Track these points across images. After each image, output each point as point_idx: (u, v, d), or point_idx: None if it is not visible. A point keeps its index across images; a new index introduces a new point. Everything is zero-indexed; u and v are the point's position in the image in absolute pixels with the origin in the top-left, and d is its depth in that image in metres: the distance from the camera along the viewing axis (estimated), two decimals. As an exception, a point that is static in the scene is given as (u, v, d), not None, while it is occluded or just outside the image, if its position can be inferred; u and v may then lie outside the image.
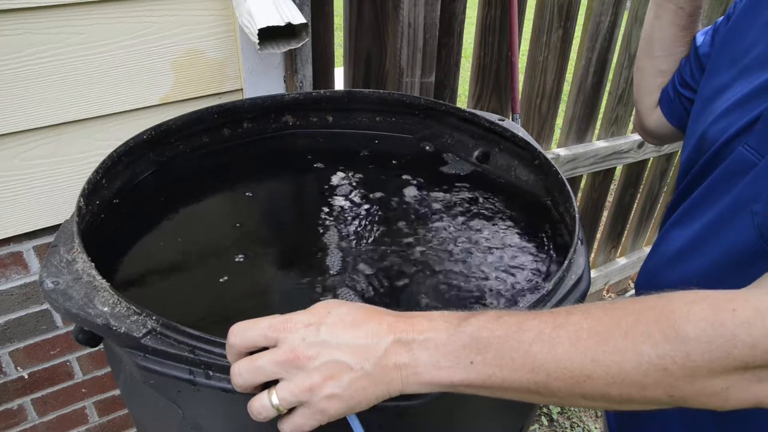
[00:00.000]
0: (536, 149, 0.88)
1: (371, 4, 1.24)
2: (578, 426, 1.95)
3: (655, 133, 0.89)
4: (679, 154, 2.14)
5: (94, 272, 0.60)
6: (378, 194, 0.89)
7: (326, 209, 0.85)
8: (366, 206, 0.86)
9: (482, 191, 0.91)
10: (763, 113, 0.60)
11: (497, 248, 0.79)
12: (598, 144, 1.88)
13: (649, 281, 0.77)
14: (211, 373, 0.53)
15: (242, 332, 0.47)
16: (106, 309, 0.56)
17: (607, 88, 1.81)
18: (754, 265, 0.48)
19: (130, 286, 0.70)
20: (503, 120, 0.95)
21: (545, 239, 0.81)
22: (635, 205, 2.23)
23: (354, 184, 0.91)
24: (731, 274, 0.51)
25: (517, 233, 0.82)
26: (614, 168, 2.00)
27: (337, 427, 0.48)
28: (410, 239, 0.80)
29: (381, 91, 1.02)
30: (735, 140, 0.63)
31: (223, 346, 0.49)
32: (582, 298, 0.65)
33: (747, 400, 0.43)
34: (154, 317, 0.55)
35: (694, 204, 0.70)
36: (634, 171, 2.09)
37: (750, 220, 0.59)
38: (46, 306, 1.15)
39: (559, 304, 0.62)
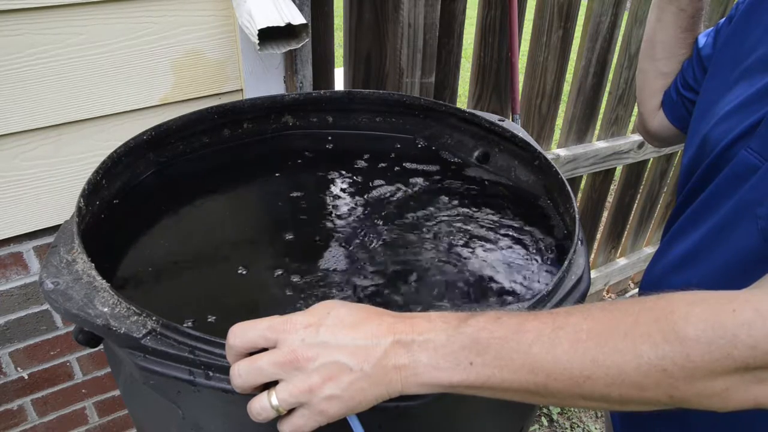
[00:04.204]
0: (536, 150, 0.88)
1: (371, 5, 1.24)
2: (578, 426, 1.95)
3: (657, 135, 0.89)
4: (679, 155, 2.14)
5: (94, 273, 0.60)
6: (378, 195, 0.89)
7: (326, 210, 0.85)
8: (366, 207, 0.86)
9: (482, 192, 0.91)
10: (766, 116, 0.59)
11: (497, 248, 0.79)
12: (598, 144, 1.88)
13: (655, 287, 0.77)
14: (211, 373, 0.53)
15: (242, 333, 0.47)
16: (106, 309, 0.56)
17: (607, 89, 1.81)
18: (760, 268, 0.48)
19: (130, 287, 0.70)
20: (503, 120, 0.95)
21: (545, 240, 0.81)
22: (635, 206, 2.23)
23: (354, 184, 0.91)
24: (737, 279, 0.51)
25: (517, 234, 0.82)
26: (614, 168, 2.00)
27: (337, 427, 0.48)
28: (410, 239, 0.80)
29: (381, 91, 1.02)
30: (737, 143, 0.63)
31: (222, 346, 0.49)
32: (582, 299, 0.65)
33: (747, 401, 0.43)
34: (154, 318, 0.55)
35: (699, 209, 0.70)
36: (634, 171, 2.09)
37: (754, 223, 0.58)
38: (46, 306, 1.15)
39: (559, 304, 0.62)
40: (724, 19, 0.76)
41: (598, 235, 2.24)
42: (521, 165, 0.93)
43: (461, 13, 1.38)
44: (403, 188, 0.91)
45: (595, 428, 1.95)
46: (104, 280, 0.59)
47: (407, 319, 0.47)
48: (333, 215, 0.84)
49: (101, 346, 0.65)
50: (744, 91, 0.65)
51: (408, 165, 0.97)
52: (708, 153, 0.68)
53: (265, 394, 0.46)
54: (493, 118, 0.96)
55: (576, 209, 0.74)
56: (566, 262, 0.64)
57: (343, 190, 0.90)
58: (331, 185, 0.91)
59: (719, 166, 0.66)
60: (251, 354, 0.47)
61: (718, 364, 0.41)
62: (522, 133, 0.92)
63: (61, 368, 1.25)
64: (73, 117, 0.98)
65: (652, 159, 2.09)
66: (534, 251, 0.79)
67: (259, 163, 0.97)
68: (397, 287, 0.72)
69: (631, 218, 2.26)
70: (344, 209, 0.86)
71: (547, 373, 0.44)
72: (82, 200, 0.71)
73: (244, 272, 0.73)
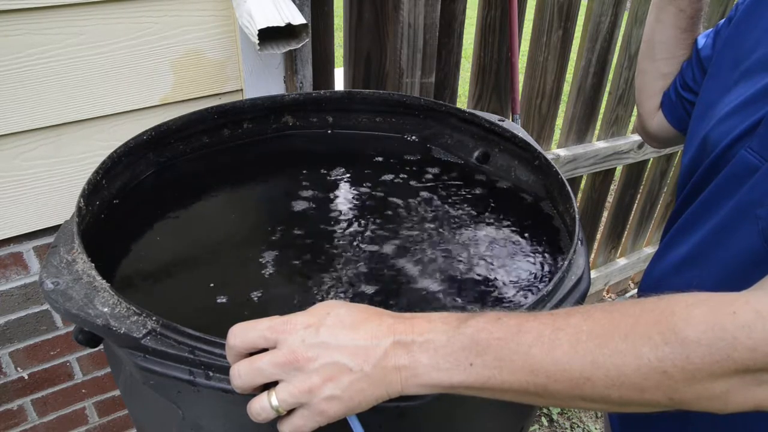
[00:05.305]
0: (536, 150, 0.88)
1: (371, 5, 1.24)
2: (578, 426, 1.95)
3: (657, 136, 0.89)
4: (679, 155, 2.14)
5: (94, 273, 0.60)
6: (378, 195, 0.89)
7: (326, 210, 0.85)
8: (366, 207, 0.86)
9: (482, 192, 0.91)
10: (766, 116, 0.59)
11: (497, 249, 0.79)
12: (598, 144, 1.88)
13: (654, 288, 0.77)
14: (211, 373, 0.53)
15: (242, 333, 0.47)
16: (106, 309, 0.56)
17: (607, 89, 1.81)
18: (761, 270, 0.48)
19: (130, 287, 0.70)
20: (503, 120, 0.95)
21: (545, 240, 0.81)
22: (635, 206, 2.23)
23: (353, 184, 0.91)
24: (738, 280, 0.51)
25: (517, 234, 0.82)
26: (614, 168, 2.00)
27: (337, 427, 0.48)
28: (410, 240, 0.80)
29: (381, 91, 1.02)
30: (737, 143, 0.63)
31: (223, 346, 0.49)
32: (582, 299, 0.65)
33: (747, 403, 0.43)
34: (154, 318, 0.55)
35: (698, 209, 0.69)
36: (634, 171, 2.09)
37: (754, 224, 0.58)
38: (46, 306, 1.15)
39: (558, 304, 0.62)
40: (723, 20, 0.76)
41: (598, 235, 2.24)
42: (521, 165, 0.93)
43: (461, 13, 1.38)
44: (403, 188, 0.91)
45: (595, 428, 1.95)
46: (104, 280, 0.59)
47: (407, 319, 0.47)
48: (333, 215, 0.84)
49: (101, 346, 0.65)
50: (744, 92, 0.65)
51: (408, 165, 0.97)
52: (708, 153, 0.68)
53: (265, 394, 0.46)
54: (493, 118, 0.96)
55: (576, 209, 0.74)
56: (566, 262, 0.64)
57: (342, 190, 0.90)
58: (331, 185, 0.91)
59: (719, 166, 0.66)
60: (251, 354, 0.47)
61: (719, 366, 0.41)
62: (522, 133, 0.92)
63: (61, 368, 1.25)
64: (73, 117, 0.98)
65: (652, 159, 2.09)
66: (534, 251, 0.79)
67: (259, 164, 0.97)
68: (396, 287, 0.72)
69: (631, 218, 2.26)
70: (344, 209, 0.86)
71: (547, 375, 0.44)
72: (82, 200, 0.71)
73: (244, 272, 0.73)
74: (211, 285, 0.71)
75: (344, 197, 0.88)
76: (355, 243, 0.79)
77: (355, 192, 0.90)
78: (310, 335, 0.46)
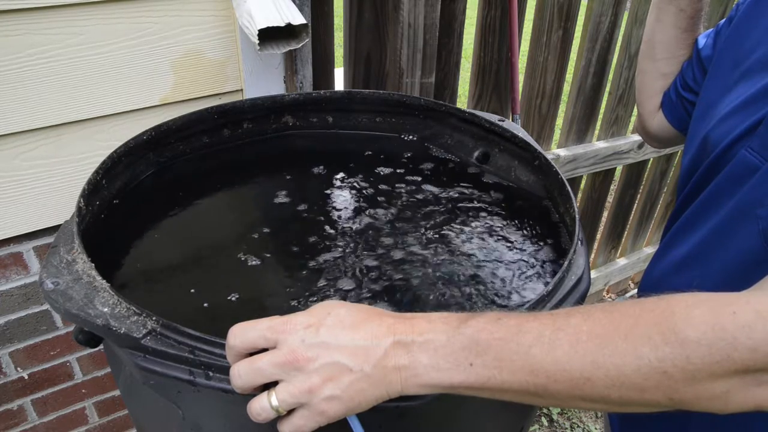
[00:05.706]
0: (536, 150, 0.88)
1: (371, 5, 1.24)
2: (578, 427, 1.95)
3: (657, 136, 0.89)
4: (679, 155, 2.14)
5: (94, 273, 0.60)
6: (378, 195, 0.89)
7: (326, 210, 0.85)
8: (366, 207, 0.86)
9: (482, 192, 0.91)
10: (766, 116, 0.59)
11: (497, 249, 0.79)
12: (598, 144, 1.88)
13: (655, 288, 0.77)
14: (211, 373, 0.53)
15: (242, 333, 0.47)
16: (106, 309, 0.56)
17: (607, 89, 1.81)
18: (761, 270, 0.48)
19: (130, 287, 0.70)
20: (503, 120, 0.95)
21: (545, 240, 0.81)
22: (635, 206, 2.24)
23: (354, 184, 0.91)
24: (738, 280, 0.51)
25: (517, 234, 0.82)
26: (614, 168, 2.00)
27: (337, 427, 0.48)
28: (410, 240, 0.80)
29: (381, 91, 1.02)
30: (738, 143, 0.63)
31: (223, 346, 0.49)
32: (582, 299, 0.65)
33: (747, 404, 0.43)
34: (154, 318, 0.55)
35: (698, 209, 0.69)
36: (634, 171, 2.09)
37: (755, 224, 0.58)
38: (46, 306, 1.16)
39: (559, 304, 0.62)
40: (724, 20, 0.76)
41: (598, 235, 2.24)
42: (521, 165, 0.93)
43: (461, 13, 1.38)
44: (403, 189, 0.91)
45: (595, 428, 1.95)
46: (104, 280, 0.59)
47: (407, 319, 0.47)
48: (333, 215, 0.84)
49: (101, 346, 0.65)
50: (744, 92, 0.65)
51: (408, 165, 0.97)
52: (708, 153, 0.68)
53: (265, 394, 0.46)
54: (493, 118, 0.96)
55: (576, 209, 0.74)
56: (566, 262, 0.64)
57: (342, 190, 0.90)
58: (331, 185, 0.91)
59: (719, 166, 0.66)
60: (251, 354, 0.47)
61: (719, 366, 0.41)
62: (522, 133, 0.92)
63: (61, 368, 1.25)
64: (73, 117, 0.98)
65: (652, 159, 2.09)
66: (534, 251, 0.79)
67: (259, 164, 0.97)
68: (395, 288, 0.72)
69: (631, 218, 2.26)
70: (344, 209, 0.86)
71: (547, 375, 0.44)
72: (82, 200, 0.71)
73: (244, 272, 0.73)
74: (211, 285, 0.71)
75: (344, 197, 0.88)
76: (354, 244, 0.79)
77: (355, 192, 0.90)
78: (310, 335, 0.46)
